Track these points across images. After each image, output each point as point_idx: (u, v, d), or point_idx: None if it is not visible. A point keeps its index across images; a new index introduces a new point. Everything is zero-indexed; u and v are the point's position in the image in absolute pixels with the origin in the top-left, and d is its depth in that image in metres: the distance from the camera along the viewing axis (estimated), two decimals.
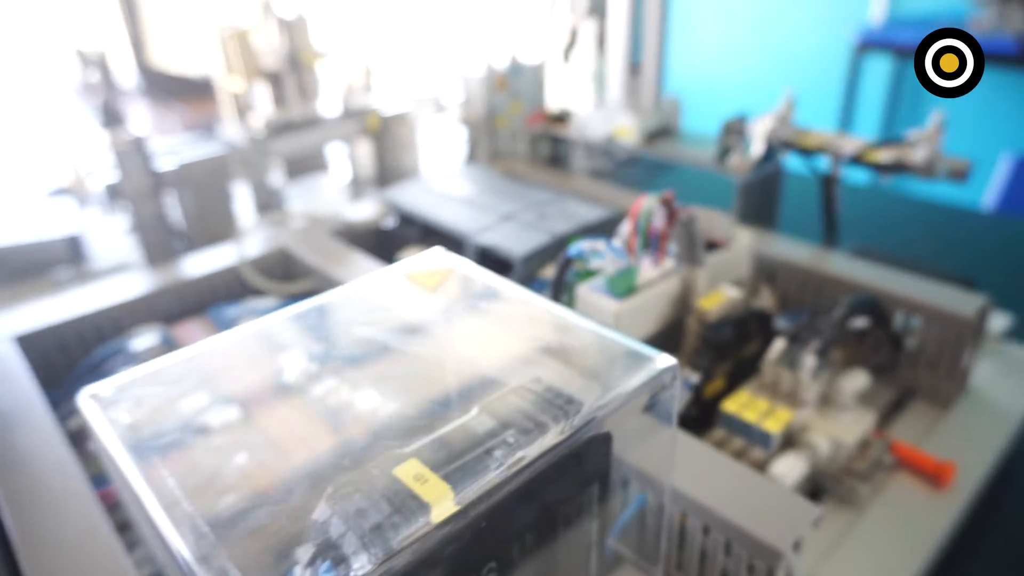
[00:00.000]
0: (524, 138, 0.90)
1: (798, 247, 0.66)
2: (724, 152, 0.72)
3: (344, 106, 0.96)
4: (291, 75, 0.90)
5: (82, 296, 0.62)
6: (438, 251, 0.43)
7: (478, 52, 0.92)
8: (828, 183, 0.64)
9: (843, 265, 0.62)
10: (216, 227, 0.80)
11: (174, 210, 0.84)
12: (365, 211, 0.75)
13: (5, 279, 0.84)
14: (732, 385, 0.52)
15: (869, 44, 1.99)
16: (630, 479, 0.40)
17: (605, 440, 0.32)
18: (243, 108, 0.91)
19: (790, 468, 0.46)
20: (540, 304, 0.37)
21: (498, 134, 0.94)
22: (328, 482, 0.27)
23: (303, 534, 0.25)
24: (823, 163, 0.66)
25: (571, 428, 0.29)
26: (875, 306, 0.53)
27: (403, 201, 0.71)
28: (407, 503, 0.26)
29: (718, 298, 0.53)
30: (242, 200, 0.91)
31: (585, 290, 0.53)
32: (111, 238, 0.91)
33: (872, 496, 0.48)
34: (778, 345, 0.51)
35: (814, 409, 0.50)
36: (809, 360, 0.49)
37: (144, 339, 0.57)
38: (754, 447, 0.48)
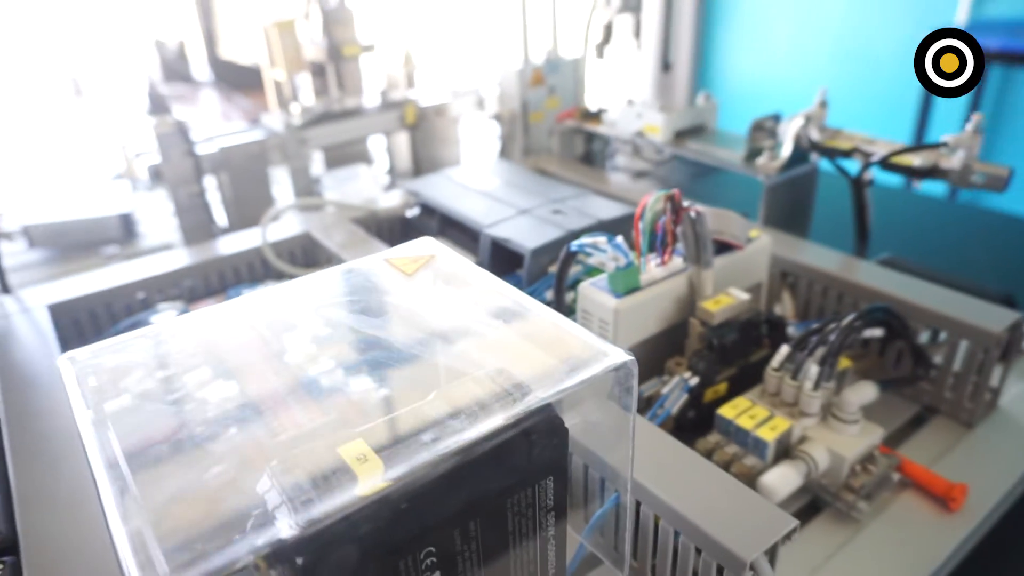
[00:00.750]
0: (556, 134, 0.90)
1: (823, 253, 0.63)
2: (753, 152, 0.69)
3: (384, 98, 0.98)
4: (332, 66, 0.92)
5: (115, 271, 0.65)
6: (426, 240, 0.43)
7: (516, 46, 0.92)
8: (858, 187, 0.61)
9: (868, 274, 0.59)
10: (254, 211, 0.83)
11: (217, 193, 0.87)
12: (390, 200, 0.76)
13: (61, 252, 0.90)
14: (735, 391, 0.51)
15: None
16: (599, 477, 0.40)
17: (559, 431, 0.31)
18: (285, 97, 0.93)
19: (782, 479, 0.44)
20: (511, 295, 0.37)
21: (532, 130, 0.94)
22: (276, 456, 0.28)
23: (237, 504, 0.26)
24: (856, 167, 0.64)
25: (514, 416, 0.29)
26: (890, 316, 0.50)
27: (425, 192, 0.72)
28: (341, 478, 0.26)
29: (724, 300, 0.52)
30: (282, 186, 0.93)
31: (587, 286, 0.52)
32: (161, 218, 0.95)
33: (874, 514, 0.46)
34: (782, 352, 0.49)
35: (817, 421, 0.48)
36: (812, 369, 0.47)
37: (164, 315, 0.59)
38: (748, 455, 0.46)
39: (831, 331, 0.48)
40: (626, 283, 0.51)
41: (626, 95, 0.79)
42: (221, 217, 0.87)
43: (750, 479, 0.45)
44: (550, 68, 0.93)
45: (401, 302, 0.38)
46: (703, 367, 0.50)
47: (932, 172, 0.57)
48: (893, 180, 0.63)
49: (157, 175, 0.80)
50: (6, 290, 0.62)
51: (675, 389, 0.50)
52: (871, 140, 0.61)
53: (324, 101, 0.94)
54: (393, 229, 0.77)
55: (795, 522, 0.35)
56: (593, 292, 0.52)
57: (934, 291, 0.56)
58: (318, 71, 0.95)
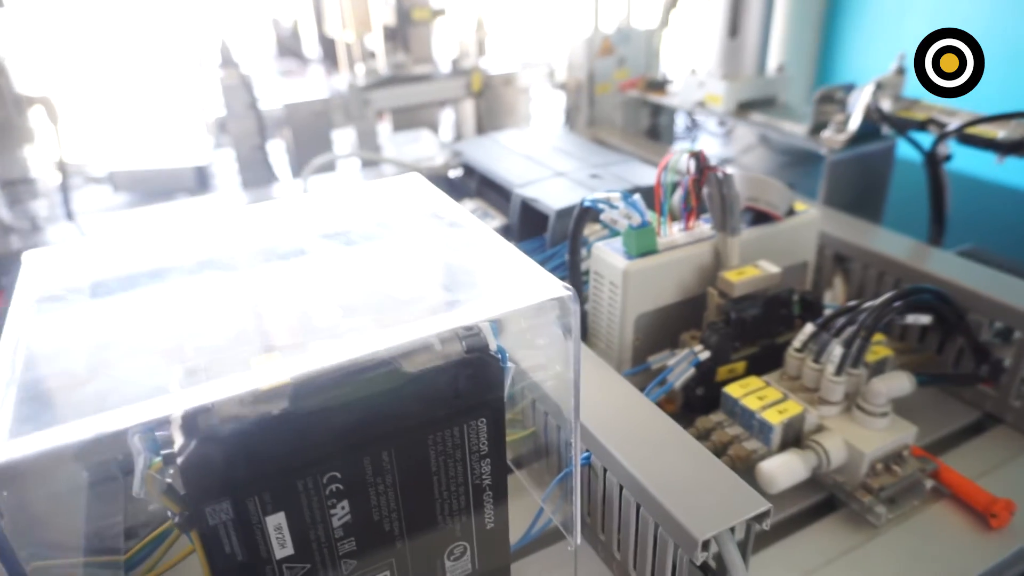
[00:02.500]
0: (619, 106, 0.86)
1: (886, 237, 0.56)
2: (819, 125, 0.63)
3: (454, 65, 0.98)
4: (401, 30, 0.93)
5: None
6: (414, 176, 0.42)
7: (587, 14, 0.88)
8: (933, 162, 0.54)
9: (936, 262, 0.52)
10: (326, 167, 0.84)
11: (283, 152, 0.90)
12: (436, 160, 0.75)
13: (141, 197, 0.95)
14: (755, 373, 0.46)
15: None
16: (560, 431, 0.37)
17: (491, 368, 0.29)
18: (354, 59, 0.95)
19: (784, 468, 0.39)
20: (477, 229, 0.35)
21: (598, 102, 0.91)
22: (191, 361, 0.27)
23: (142, 400, 0.25)
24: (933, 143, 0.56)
25: (438, 337, 0.27)
26: (940, 301, 0.44)
27: (468, 152, 0.71)
28: (240, 373, 0.25)
29: (749, 272, 0.47)
30: (346, 144, 0.95)
31: (600, 246, 0.49)
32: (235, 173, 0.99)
33: (897, 521, 0.40)
34: (806, 331, 0.44)
35: (840, 411, 0.42)
36: (836, 351, 0.42)
37: None
38: (751, 438, 0.42)
39: (864, 311, 0.42)
40: (640, 244, 0.47)
41: (692, 64, 0.74)
42: (286, 174, 0.89)
43: (749, 464, 0.41)
44: (621, 38, 0.89)
45: (357, 226, 0.36)
46: (715, 341, 0.45)
47: (1020, 146, 0.49)
48: (984, 166, 0.55)
49: (222, 128, 0.83)
50: (69, 217, 0.67)
51: (682, 362, 0.46)
52: (951, 111, 0.54)
53: (391, 65, 0.94)
54: (438, 187, 0.76)
55: (766, 505, 0.31)
56: (605, 252, 0.48)
57: (1011, 283, 0.49)
58: (390, 35, 0.95)
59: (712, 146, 1.03)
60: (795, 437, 0.42)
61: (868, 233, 0.57)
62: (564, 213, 0.57)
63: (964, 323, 0.45)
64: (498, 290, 0.30)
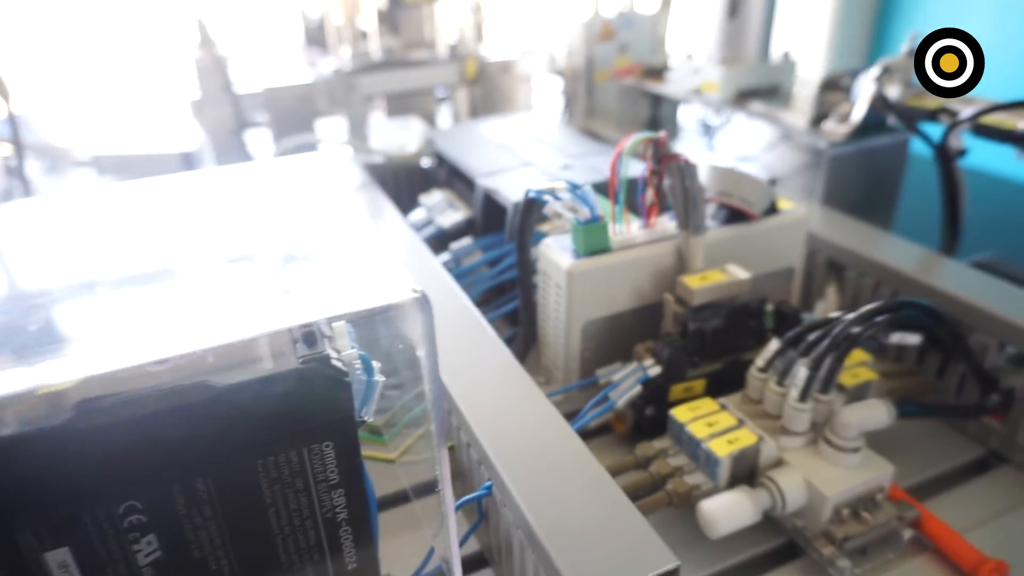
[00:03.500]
0: (617, 94, 0.80)
1: (888, 243, 0.50)
2: (821, 116, 0.56)
3: (451, 51, 0.93)
4: (392, 13, 0.88)
5: None
6: (326, 153, 0.37)
7: None
8: (944, 156, 0.47)
9: (942, 273, 0.46)
10: (299, 152, 0.81)
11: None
12: (409, 148, 0.70)
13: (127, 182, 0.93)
14: (716, 393, 0.40)
15: None
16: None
17: (335, 383, 0.24)
18: (343, 43, 0.90)
19: (728, 510, 0.33)
20: (354, 220, 0.30)
21: (597, 90, 0.85)
22: None
23: None
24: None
25: (253, 344, 0.22)
26: (932, 319, 0.37)
27: (439, 141, 0.66)
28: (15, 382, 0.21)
29: (712, 277, 0.41)
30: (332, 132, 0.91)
31: (548, 242, 0.44)
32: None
33: None
34: (770, 347, 0.38)
35: (804, 443, 0.36)
36: (801, 373, 0.35)
37: None
38: (697, 470, 0.36)
39: (839, 326, 0.36)
40: (590, 242, 0.42)
41: (690, 49, 0.68)
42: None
43: (690, 501, 0.35)
44: (623, 23, 0.83)
45: (223, 208, 0.32)
46: (668, 355, 0.40)
47: None
48: (1012, 163, 0.47)
49: (199, 111, 0.79)
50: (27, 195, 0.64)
51: (628, 377, 0.40)
52: (968, 99, 0.47)
53: (383, 49, 0.90)
54: (412, 176, 0.72)
55: (673, 563, 0.25)
56: (551, 250, 0.43)
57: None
58: (383, 19, 0.91)
59: (731, 143, 0.96)
60: (748, 472, 0.36)
61: (868, 238, 0.50)
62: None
63: (963, 345, 0.38)
64: (336, 292, 0.25)
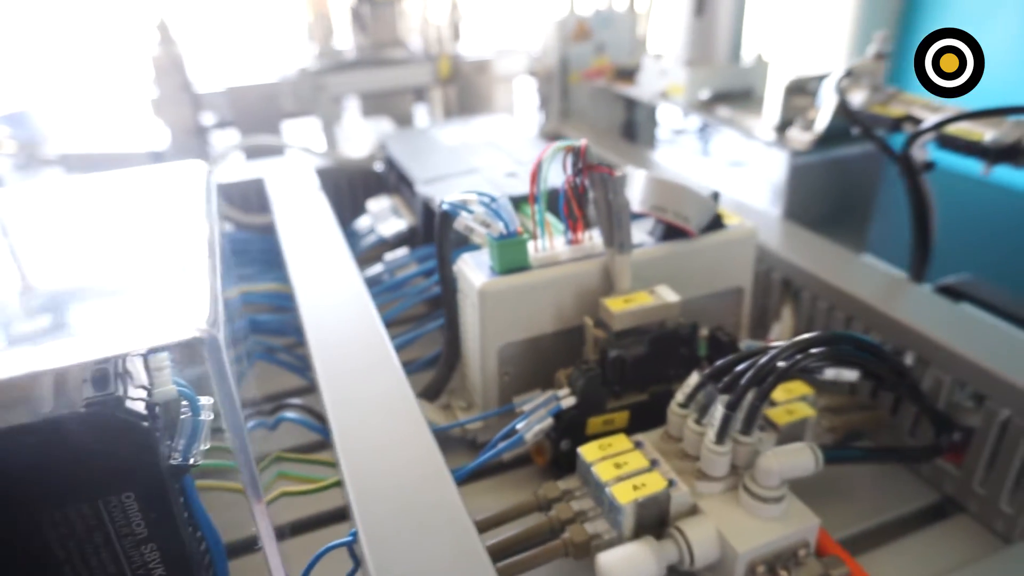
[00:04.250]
0: (589, 97, 0.76)
1: (847, 262, 0.46)
2: (786, 123, 0.52)
3: (426, 50, 0.90)
4: (360, 10, 0.85)
5: None
6: (196, 163, 0.34)
7: None
8: (907, 169, 0.43)
9: (897, 296, 0.42)
10: (263, 155, 0.78)
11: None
12: (361, 151, 0.68)
13: None
14: (641, 427, 0.36)
15: None
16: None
17: (130, 429, 0.21)
18: (315, 41, 0.88)
19: (626, 563, 0.30)
20: (186, 237, 0.27)
21: (573, 92, 0.81)
22: None
23: None
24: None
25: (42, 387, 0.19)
26: (870, 356, 0.33)
27: (390, 145, 0.63)
28: None
29: (638, 299, 0.38)
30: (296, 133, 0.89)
31: (465, 258, 0.40)
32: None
33: None
34: (691, 380, 0.34)
35: (725, 488, 0.33)
36: (718, 412, 0.32)
37: None
38: (601, 517, 0.32)
39: (762, 358, 0.32)
40: (506, 259, 0.38)
41: (659, 49, 0.64)
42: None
43: (588, 553, 0.31)
44: (600, 21, 0.79)
45: (57, 226, 0.29)
46: (583, 385, 0.36)
47: (1013, 153, 0.38)
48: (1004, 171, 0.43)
49: (158, 109, 0.77)
50: None
51: (539, 408, 0.37)
52: (936, 106, 0.42)
53: (356, 47, 0.87)
54: (367, 181, 0.69)
55: None
56: (468, 266, 0.40)
57: (992, 333, 0.38)
58: (356, 16, 0.88)
59: (727, 149, 0.92)
60: (658, 520, 0.32)
61: (827, 257, 0.46)
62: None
63: (908, 383, 0.34)
64: (115, 329, 0.22)
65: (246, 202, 0.66)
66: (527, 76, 0.91)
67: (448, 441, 0.44)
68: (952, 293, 0.46)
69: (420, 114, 1.00)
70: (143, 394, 0.22)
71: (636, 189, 0.42)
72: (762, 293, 0.49)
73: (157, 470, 0.22)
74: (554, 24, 0.78)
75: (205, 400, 0.25)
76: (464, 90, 0.89)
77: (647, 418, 0.37)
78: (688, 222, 0.40)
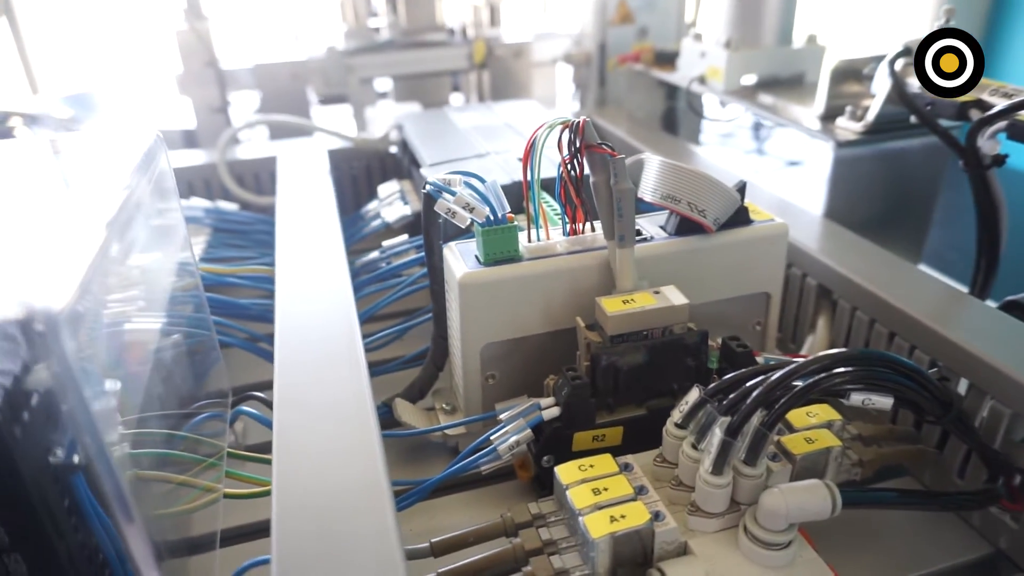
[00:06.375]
0: (627, 84, 0.71)
1: (896, 269, 0.40)
2: (834, 111, 0.46)
3: (463, 33, 0.86)
4: None
5: None
6: (148, 130, 0.31)
7: None
8: (972, 162, 0.37)
9: (951, 312, 0.36)
10: (289, 134, 0.76)
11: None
12: (375, 134, 0.64)
13: None
14: (637, 446, 0.32)
15: None
16: None
17: None
18: (348, 20, 0.85)
19: None
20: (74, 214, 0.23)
21: (613, 78, 0.76)
22: None
23: None
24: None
25: None
26: (911, 381, 0.28)
27: (407, 127, 0.59)
28: None
29: (639, 301, 0.33)
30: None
31: (452, 246, 0.36)
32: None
33: None
34: (690, 397, 0.29)
35: (723, 525, 0.28)
36: (716, 437, 0.27)
37: None
38: (573, 549, 0.28)
39: (774, 375, 0.27)
40: (491, 248, 0.34)
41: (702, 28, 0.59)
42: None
43: None
44: (643, 4, 0.74)
45: None
46: (568, 394, 0.32)
47: None
48: None
49: (183, 86, 0.76)
50: None
51: (518, 418, 0.32)
52: (1012, 90, 0.36)
53: (390, 28, 0.84)
54: (386, 164, 0.66)
55: None
56: (453, 255, 0.36)
57: None
58: None
59: (784, 147, 0.86)
60: (640, 557, 0.27)
61: (869, 262, 0.40)
62: None
63: (953, 415, 0.29)
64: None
65: (257, 182, 0.64)
66: (564, 62, 0.86)
67: (429, 448, 0.40)
68: (1020, 311, 0.39)
69: (456, 102, 0.96)
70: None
71: (650, 177, 0.37)
72: (795, 301, 0.43)
73: (13, 470, 0.19)
74: (593, 5, 0.73)
75: (110, 384, 0.22)
76: (500, 76, 0.85)
77: (645, 437, 0.32)
78: (704, 215, 0.35)
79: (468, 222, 0.34)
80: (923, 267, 0.48)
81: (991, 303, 0.40)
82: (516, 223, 0.34)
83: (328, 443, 0.27)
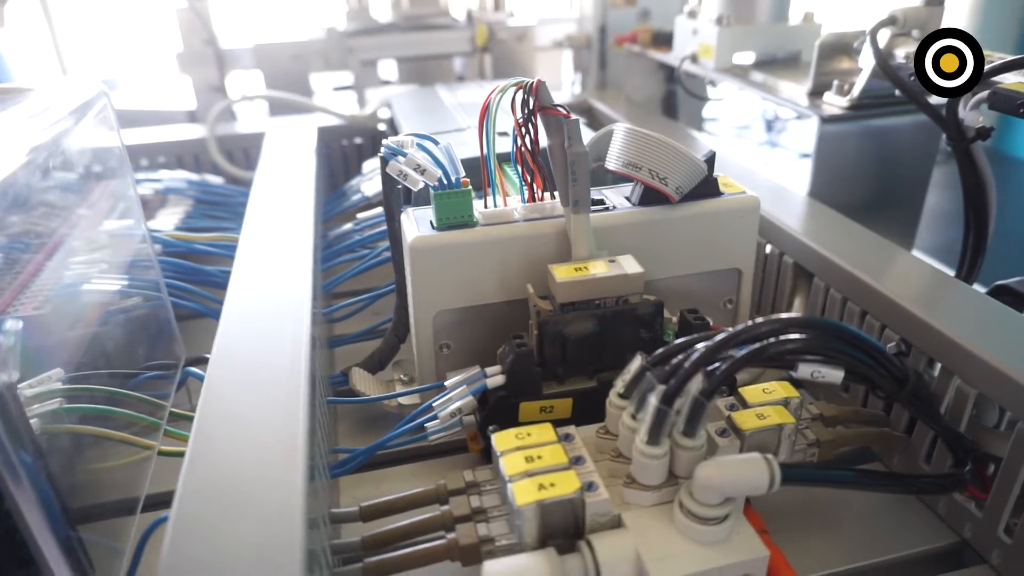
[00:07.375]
0: (625, 66, 0.69)
1: (877, 248, 0.38)
2: (822, 87, 0.45)
3: (466, 16, 0.85)
4: None
5: None
6: (91, 83, 0.31)
7: None
8: (955, 135, 0.35)
9: (928, 294, 0.34)
10: (290, 113, 0.76)
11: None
12: (366, 110, 0.64)
13: None
14: (587, 418, 0.31)
15: None
16: None
17: None
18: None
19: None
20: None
21: (611, 61, 0.75)
22: None
23: None
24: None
25: None
26: (865, 356, 0.26)
27: (395, 104, 0.59)
28: None
29: (589, 268, 0.32)
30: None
31: (409, 213, 0.36)
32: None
33: None
34: (632, 366, 0.28)
35: (661, 499, 0.27)
36: (650, 406, 0.26)
37: None
38: (501, 518, 0.27)
39: (713, 341, 0.26)
40: (446, 212, 0.33)
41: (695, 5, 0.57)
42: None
43: (479, 557, 0.26)
44: None
45: None
46: (511, 362, 0.31)
47: None
48: None
49: (183, 64, 0.76)
50: None
51: (462, 386, 0.31)
52: (998, 59, 0.34)
53: (393, 9, 0.84)
54: (377, 141, 0.66)
55: None
56: (408, 220, 0.35)
57: None
58: None
59: (797, 139, 0.83)
60: (571, 529, 0.26)
61: (848, 240, 0.39)
62: None
63: (908, 391, 0.27)
64: None
65: (247, 157, 0.64)
66: (563, 44, 0.85)
67: (387, 419, 0.39)
68: (1010, 296, 0.37)
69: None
70: None
71: (615, 146, 0.36)
72: (773, 281, 0.41)
73: None
74: None
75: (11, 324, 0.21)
76: (503, 59, 0.84)
77: (597, 410, 0.31)
78: (666, 183, 0.34)
79: (420, 185, 0.33)
80: (916, 253, 0.46)
81: (979, 287, 0.38)
82: (470, 188, 0.33)
83: (254, 405, 0.27)
